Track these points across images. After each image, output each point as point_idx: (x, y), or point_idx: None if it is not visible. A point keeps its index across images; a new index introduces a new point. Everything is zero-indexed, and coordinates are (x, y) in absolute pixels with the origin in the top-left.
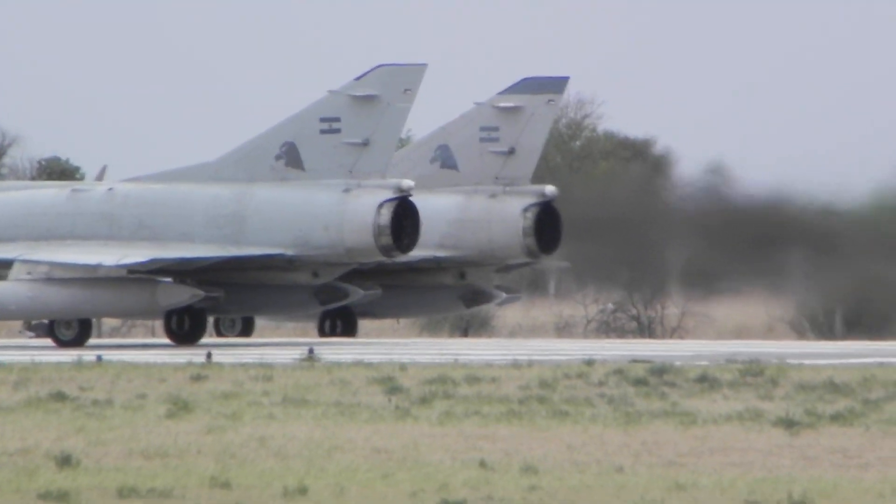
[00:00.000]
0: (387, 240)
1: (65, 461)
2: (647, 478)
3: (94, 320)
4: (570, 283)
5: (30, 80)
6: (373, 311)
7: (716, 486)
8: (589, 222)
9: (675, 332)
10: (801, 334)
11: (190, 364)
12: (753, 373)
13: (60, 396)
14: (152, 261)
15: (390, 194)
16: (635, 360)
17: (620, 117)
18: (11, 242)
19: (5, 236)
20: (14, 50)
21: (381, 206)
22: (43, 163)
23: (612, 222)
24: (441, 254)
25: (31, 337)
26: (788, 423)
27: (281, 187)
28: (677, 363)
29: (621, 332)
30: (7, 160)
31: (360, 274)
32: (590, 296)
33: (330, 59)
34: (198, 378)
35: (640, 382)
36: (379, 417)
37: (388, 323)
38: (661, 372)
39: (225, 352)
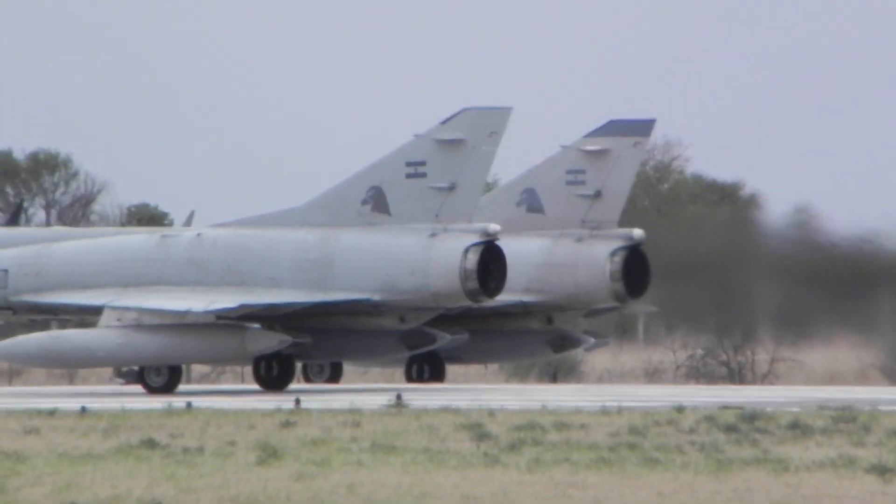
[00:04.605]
0: (473, 284)
1: None
2: None
3: (183, 366)
4: (658, 327)
5: (119, 128)
6: (460, 356)
7: None
8: (677, 266)
9: (766, 377)
10: (893, 380)
11: (279, 410)
12: (846, 419)
13: (151, 444)
14: (241, 306)
15: (477, 238)
16: (726, 407)
17: (707, 160)
18: (101, 289)
19: (95, 282)
20: (102, 98)
21: (467, 250)
22: (132, 209)
23: (700, 266)
24: (528, 298)
25: (121, 384)
26: (882, 470)
27: (367, 232)
28: (768, 409)
29: (711, 378)
30: (97, 207)
31: (448, 319)
32: (679, 341)
33: (415, 102)
34: (287, 424)
35: (731, 429)
36: (468, 464)
37: (475, 368)
38: (752, 418)
39: (313, 398)
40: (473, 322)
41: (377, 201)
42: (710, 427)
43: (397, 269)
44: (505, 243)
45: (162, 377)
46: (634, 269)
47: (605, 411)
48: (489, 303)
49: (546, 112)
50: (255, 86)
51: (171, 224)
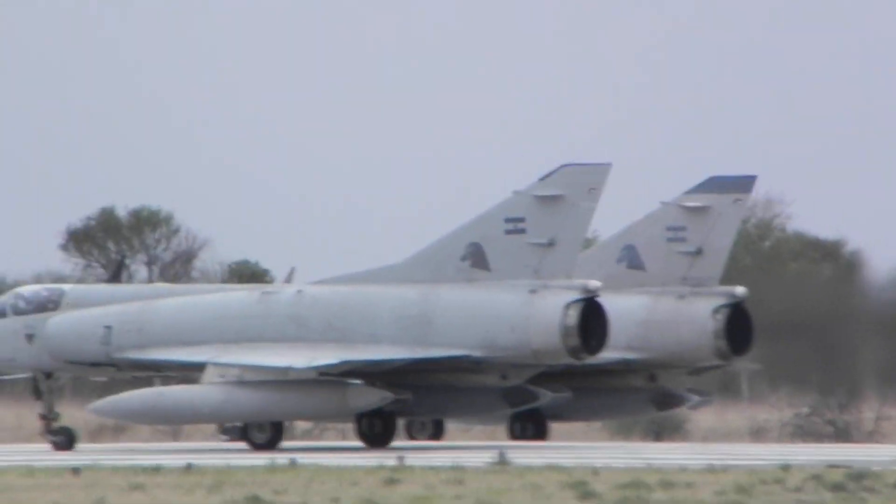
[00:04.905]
0: (574, 341)
1: None
2: None
3: (286, 423)
4: (762, 385)
5: (219, 185)
6: (562, 413)
7: None
8: (781, 324)
9: (872, 436)
10: None
11: (382, 467)
12: None
13: (255, 500)
14: (343, 363)
15: (577, 295)
16: (832, 465)
17: (809, 217)
18: (203, 345)
19: (197, 339)
20: (204, 155)
21: (568, 306)
22: (233, 266)
23: (804, 324)
24: (630, 355)
25: (225, 440)
26: None
27: (467, 288)
28: (876, 468)
29: (817, 436)
30: (198, 263)
31: (550, 376)
32: (784, 399)
33: (513, 158)
34: (390, 481)
35: (838, 488)
36: None
37: (578, 426)
38: (859, 477)
39: (416, 455)
40: (576, 379)
41: (476, 257)
42: (816, 486)
43: (497, 326)
44: (605, 300)
45: (265, 433)
46: (737, 327)
47: (710, 469)
48: (591, 360)
49: (645, 168)
50: (353, 143)
51: (271, 281)
